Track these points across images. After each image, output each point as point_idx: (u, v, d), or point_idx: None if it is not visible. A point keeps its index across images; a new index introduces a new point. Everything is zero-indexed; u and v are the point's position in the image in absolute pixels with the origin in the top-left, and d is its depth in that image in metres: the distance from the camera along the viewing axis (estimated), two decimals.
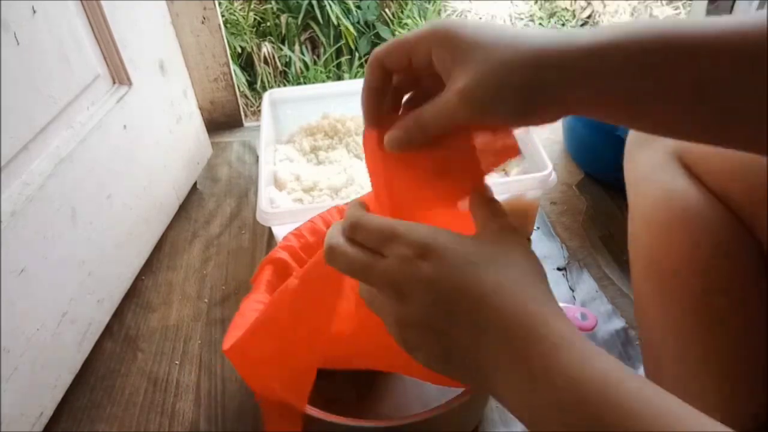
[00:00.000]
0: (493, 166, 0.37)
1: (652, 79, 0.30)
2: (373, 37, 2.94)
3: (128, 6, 0.81)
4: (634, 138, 0.59)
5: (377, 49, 0.36)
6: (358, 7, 2.88)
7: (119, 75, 0.81)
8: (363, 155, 0.53)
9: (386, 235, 0.33)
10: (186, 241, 0.94)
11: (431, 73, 0.35)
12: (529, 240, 0.90)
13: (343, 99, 1.03)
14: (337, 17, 2.79)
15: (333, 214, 0.66)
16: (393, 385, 0.66)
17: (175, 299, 0.84)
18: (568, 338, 0.30)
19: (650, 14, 3.04)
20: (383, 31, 2.93)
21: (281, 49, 2.81)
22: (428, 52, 0.34)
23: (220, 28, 1.11)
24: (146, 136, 0.87)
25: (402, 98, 0.40)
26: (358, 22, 2.91)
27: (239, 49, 2.71)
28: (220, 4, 1.12)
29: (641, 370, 0.61)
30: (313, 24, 2.87)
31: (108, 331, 0.79)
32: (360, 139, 1.00)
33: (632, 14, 3.05)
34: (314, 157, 0.98)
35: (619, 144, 0.61)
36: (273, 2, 2.79)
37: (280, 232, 0.78)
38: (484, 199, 0.37)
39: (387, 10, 2.99)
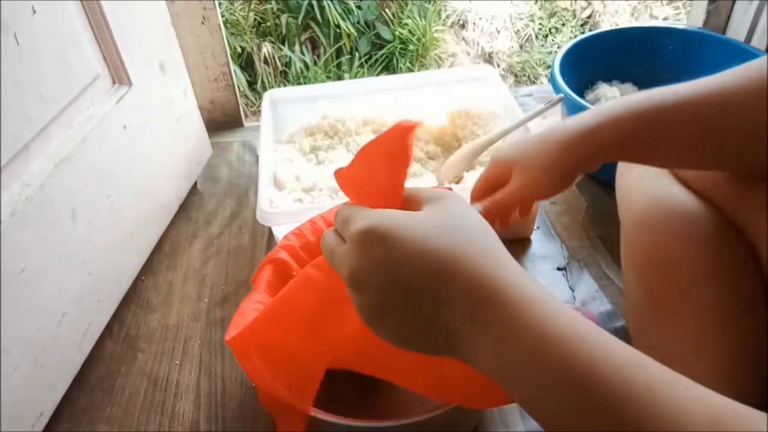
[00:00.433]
0: None
1: (642, 144, 0.46)
2: (373, 37, 2.95)
3: (128, 6, 0.81)
4: None
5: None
6: (359, 7, 2.88)
7: (119, 75, 0.81)
8: None
9: (345, 220, 0.35)
10: (186, 241, 0.94)
11: None
12: (528, 240, 0.90)
13: (343, 99, 1.03)
14: (337, 17, 2.79)
15: (333, 214, 0.66)
16: (393, 385, 0.66)
17: (175, 299, 0.84)
18: (529, 297, 0.30)
19: (650, 14, 3.04)
20: (383, 31, 2.93)
21: (281, 49, 2.82)
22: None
23: (220, 28, 1.11)
24: (146, 136, 0.87)
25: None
26: (358, 22, 2.91)
27: (239, 49, 2.71)
28: (220, 4, 1.12)
29: None
30: (313, 24, 2.87)
31: (108, 331, 0.79)
32: (360, 139, 1.00)
33: (632, 14, 3.05)
34: (314, 157, 0.98)
35: None
36: (273, 2, 2.80)
37: (280, 232, 0.78)
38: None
39: (387, 10, 2.99)
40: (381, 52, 2.91)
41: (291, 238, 0.63)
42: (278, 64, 2.78)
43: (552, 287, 0.82)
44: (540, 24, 3.12)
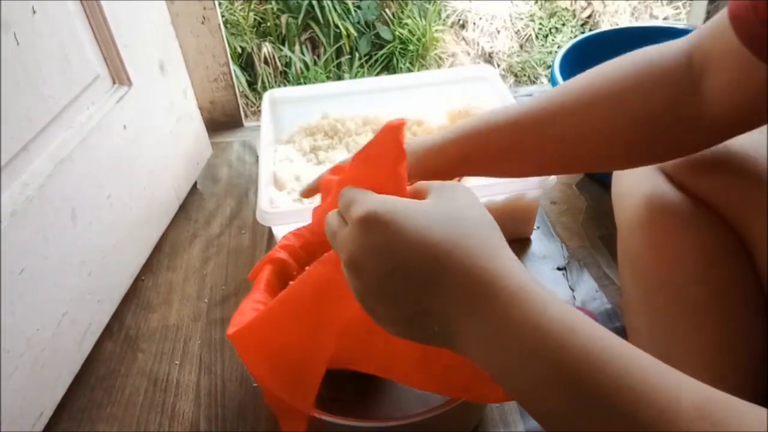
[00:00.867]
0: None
1: (483, 158, 0.53)
2: (373, 37, 2.95)
3: (128, 6, 0.81)
4: None
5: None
6: (358, 7, 2.88)
7: (119, 75, 0.81)
8: None
9: (348, 203, 0.35)
10: (186, 241, 0.94)
11: None
12: (528, 240, 0.90)
13: (343, 99, 1.03)
14: (337, 18, 2.79)
15: None
16: (393, 385, 0.66)
17: (175, 299, 0.84)
18: (524, 289, 0.30)
19: (650, 14, 3.04)
20: (383, 31, 2.93)
21: (281, 50, 2.82)
22: None
23: (220, 28, 1.11)
24: (146, 136, 0.87)
25: None
26: (358, 22, 2.91)
27: (239, 49, 2.71)
28: (220, 4, 1.12)
29: None
30: (313, 24, 2.87)
31: (108, 331, 0.79)
32: (360, 139, 1.00)
33: (632, 14, 3.05)
34: (314, 157, 0.98)
35: None
36: (273, 2, 2.80)
37: (280, 232, 0.78)
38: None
39: (387, 10, 3.00)
40: (381, 52, 2.91)
41: (291, 238, 0.63)
42: (278, 64, 2.78)
43: (552, 287, 0.82)
44: (540, 24, 3.13)
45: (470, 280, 0.31)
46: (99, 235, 0.76)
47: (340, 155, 0.97)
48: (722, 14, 0.40)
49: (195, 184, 1.05)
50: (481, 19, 3.13)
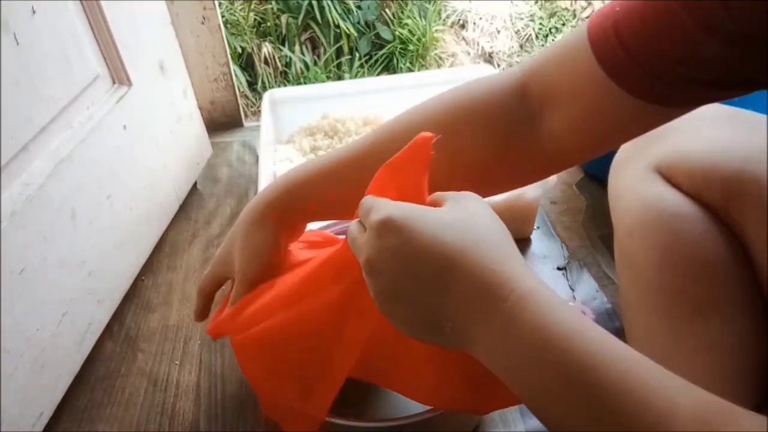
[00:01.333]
0: None
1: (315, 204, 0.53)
2: (373, 37, 2.95)
3: (128, 6, 0.81)
4: (616, 161, 0.61)
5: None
6: (359, 7, 2.88)
7: (119, 75, 0.81)
8: None
9: (367, 210, 0.36)
10: (186, 241, 0.94)
11: None
12: (528, 240, 0.90)
13: (343, 99, 1.03)
14: (337, 18, 2.79)
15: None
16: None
17: (175, 299, 0.84)
18: (533, 292, 0.32)
19: None
20: (383, 31, 2.93)
21: (281, 50, 2.82)
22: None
23: (220, 28, 1.11)
24: (146, 136, 0.87)
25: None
26: (359, 22, 2.91)
27: (239, 50, 2.71)
28: (220, 4, 1.12)
29: None
30: (313, 24, 2.87)
31: (108, 331, 0.79)
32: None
33: None
34: (314, 157, 0.98)
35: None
36: (273, 2, 2.80)
37: None
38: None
39: (387, 10, 3.00)
40: (381, 52, 2.91)
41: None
42: (278, 64, 2.78)
43: (552, 287, 0.81)
44: (540, 24, 3.13)
45: (481, 281, 0.32)
46: (99, 235, 0.75)
47: None
48: (569, 40, 0.39)
49: (195, 184, 1.05)
50: (481, 19, 3.13)
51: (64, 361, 0.70)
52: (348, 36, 2.84)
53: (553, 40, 3.09)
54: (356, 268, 0.40)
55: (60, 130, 0.70)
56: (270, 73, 2.76)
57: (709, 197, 0.50)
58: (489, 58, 3.08)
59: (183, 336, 0.78)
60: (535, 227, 0.91)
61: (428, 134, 0.38)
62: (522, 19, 3.14)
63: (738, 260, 0.49)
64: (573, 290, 0.82)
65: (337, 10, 2.81)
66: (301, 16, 2.80)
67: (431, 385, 0.48)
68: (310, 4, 2.78)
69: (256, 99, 2.68)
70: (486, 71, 1.03)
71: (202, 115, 1.06)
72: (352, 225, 0.39)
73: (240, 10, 2.74)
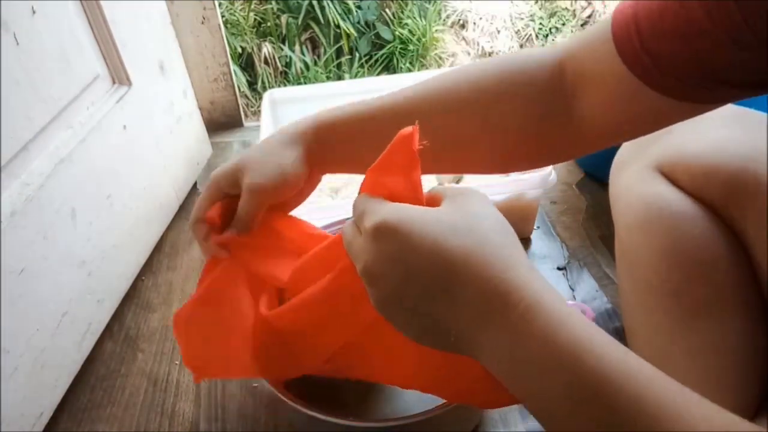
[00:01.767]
0: None
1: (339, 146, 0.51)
2: (373, 37, 2.95)
3: (128, 6, 0.81)
4: (617, 160, 0.61)
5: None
6: (359, 7, 2.88)
7: (119, 75, 0.81)
8: None
9: (361, 213, 0.35)
10: (186, 241, 0.94)
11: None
12: (528, 240, 0.90)
13: (343, 99, 1.02)
14: (337, 18, 2.79)
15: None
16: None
17: (175, 299, 0.84)
18: (541, 301, 0.30)
19: None
20: (383, 31, 2.93)
21: (281, 50, 2.82)
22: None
23: (220, 28, 1.11)
24: (146, 136, 0.87)
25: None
26: (359, 22, 2.91)
27: (239, 49, 2.71)
28: (220, 4, 1.12)
29: None
30: (313, 24, 2.88)
31: (108, 331, 0.79)
32: None
33: None
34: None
35: (619, 144, 0.62)
36: (273, 2, 2.80)
37: None
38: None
39: (387, 10, 3.00)
40: (381, 52, 2.91)
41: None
42: (278, 64, 2.78)
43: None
44: (540, 24, 3.13)
45: (485, 290, 0.31)
46: (99, 235, 0.75)
47: None
48: (599, 28, 0.39)
49: (195, 184, 1.05)
50: (481, 19, 3.14)
51: (64, 361, 0.70)
52: (348, 36, 2.84)
53: (553, 40, 3.09)
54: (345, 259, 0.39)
55: (60, 130, 0.70)
56: (270, 73, 2.76)
57: (710, 197, 0.50)
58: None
59: None
60: (535, 227, 0.91)
61: (409, 129, 0.36)
62: (522, 19, 3.14)
63: (739, 260, 0.49)
64: (573, 290, 0.82)
65: (337, 10, 2.81)
66: (301, 16, 2.80)
67: (440, 377, 0.47)
68: (310, 4, 2.78)
69: (256, 99, 2.68)
70: None
71: (202, 115, 1.06)
72: (347, 226, 0.38)
73: (240, 10, 2.74)
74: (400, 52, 2.93)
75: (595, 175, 1.03)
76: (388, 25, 2.96)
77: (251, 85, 2.74)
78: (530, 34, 3.11)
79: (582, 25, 3.08)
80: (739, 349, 0.48)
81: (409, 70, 2.86)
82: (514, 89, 0.43)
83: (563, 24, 3.11)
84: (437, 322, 0.32)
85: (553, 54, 0.43)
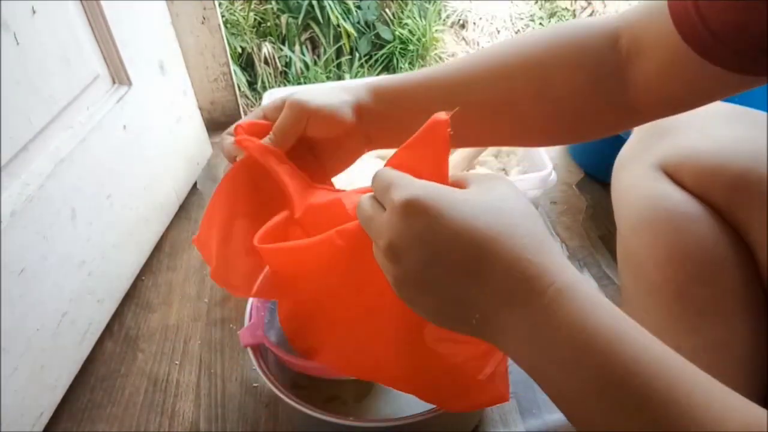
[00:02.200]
0: None
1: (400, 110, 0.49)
2: (373, 37, 2.95)
3: (128, 6, 0.81)
4: (620, 159, 0.61)
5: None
6: (359, 7, 2.88)
7: (119, 75, 0.81)
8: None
9: (386, 185, 0.33)
10: (186, 241, 0.94)
11: None
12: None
13: None
14: (337, 17, 2.79)
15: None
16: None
17: (175, 299, 0.84)
18: (572, 287, 0.29)
19: None
20: (383, 31, 2.93)
21: (281, 50, 2.81)
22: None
23: (220, 28, 1.11)
24: (146, 136, 0.87)
25: None
26: (359, 22, 2.91)
27: (239, 49, 2.71)
28: (220, 4, 1.12)
29: None
30: (313, 24, 2.87)
31: (108, 331, 0.79)
32: None
33: None
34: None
35: (619, 143, 0.61)
36: (273, 2, 2.80)
37: None
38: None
39: (387, 10, 3.00)
40: (381, 52, 2.91)
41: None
42: (278, 64, 2.78)
43: None
44: (540, 24, 3.12)
45: (515, 272, 0.30)
46: (99, 235, 0.75)
47: None
48: (655, 3, 0.39)
49: (195, 184, 1.05)
50: (481, 19, 3.13)
51: (64, 361, 0.70)
52: (348, 36, 2.84)
53: None
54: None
55: (60, 130, 0.70)
56: (270, 73, 2.76)
57: (714, 196, 0.50)
58: None
59: (183, 336, 0.78)
60: None
61: (443, 116, 0.35)
62: (522, 19, 3.14)
63: (742, 260, 0.49)
64: None
65: (337, 10, 2.81)
66: (301, 16, 2.80)
67: (428, 382, 0.47)
68: (310, 4, 2.78)
69: (256, 99, 2.68)
70: None
71: (202, 115, 1.06)
72: (366, 200, 0.36)
73: (240, 10, 2.74)
74: (400, 52, 2.93)
75: (596, 175, 1.03)
76: (388, 25, 2.96)
77: (251, 85, 2.74)
78: None
79: None
80: (742, 348, 0.48)
81: (410, 70, 2.86)
82: (571, 59, 0.43)
83: None
84: (461, 303, 0.32)
85: (610, 24, 0.43)
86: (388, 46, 2.93)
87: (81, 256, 0.72)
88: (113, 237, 0.79)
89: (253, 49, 2.77)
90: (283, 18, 2.82)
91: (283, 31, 2.84)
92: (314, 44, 2.94)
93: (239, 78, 2.61)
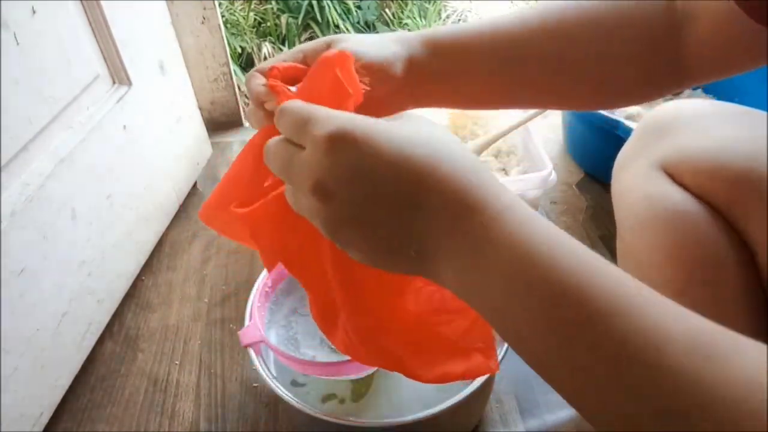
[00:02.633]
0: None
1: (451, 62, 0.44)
2: None
3: (128, 6, 0.81)
4: (620, 159, 0.61)
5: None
6: (359, 8, 2.88)
7: (119, 75, 0.81)
8: None
9: (304, 121, 0.30)
10: (186, 241, 0.94)
11: None
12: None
13: None
14: (337, 18, 2.79)
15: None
16: (393, 385, 0.66)
17: (175, 299, 0.84)
18: (511, 208, 0.29)
19: None
20: (383, 32, 2.93)
21: (281, 50, 2.81)
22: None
23: (220, 28, 1.11)
24: (146, 136, 0.87)
25: None
26: (359, 23, 2.91)
27: (239, 49, 2.71)
28: (220, 4, 1.12)
29: None
30: (313, 24, 2.87)
31: (108, 331, 0.79)
32: None
33: None
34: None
35: (619, 143, 0.61)
36: (273, 2, 2.80)
37: None
38: None
39: (387, 10, 3.00)
40: None
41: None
42: None
43: None
44: None
45: (454, 199, 0.29)
46: (99, 235, 0.75)
47: None
48: None
49: (195, 184, 1.05)
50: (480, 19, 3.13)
51: (64, 361, 0.70)
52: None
53: None
54: None
55: (60, 130, 0.70)
56: None
57: (714, 196, 0.50)
58: None
59: (183, 336, 0.78)
60: None
61: (332, 52, 0.31)
62: None
63: (743, 260, 0.49)
64: None
65: (337, 10, 2.81)
66: (301, 16, 2.80)
67: (382, 346, 0.42)
68: (310, 4, 2.78)
69: None
70: None
71: (202, 115, 1.06)
72: (274, 144, 0.32)
73: (240, 10, 2.74)
74: None
75: (596, 175, 1.03)
76: (388, 25, 2.96)
77: None
78: None
79: None
80: None
81: None
82: (632, 19, 0.44)
83: None
84: (398, 238, 0.30)
85: None
86: None
87: (81, 256, 0.72)
88: (113, 237, 0.79)
89: (253, 49, 2.77)
90: (283, 18, 2.82)
91: (283, 31, 2.84)
92: None
93: (239, 78, 2.61)
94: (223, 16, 1.21)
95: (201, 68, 1.14)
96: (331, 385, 0.65)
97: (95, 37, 0.76)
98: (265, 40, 2.82)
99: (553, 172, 0.79)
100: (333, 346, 0.61)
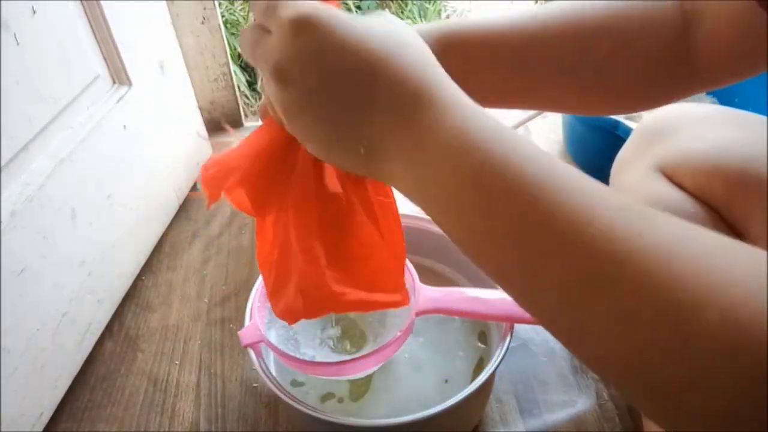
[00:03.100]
0: None
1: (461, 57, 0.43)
2: None
3: (128, 6, 0.81)
4: (619, 160, 0.61)
5: None
6: (359, 7, 2.88)
7: (119, 75, 0.81)
8: None
9: (273, 6, 0.31)
10: (186, 241, 0.94)
11: None
12: None
13: None
14: None
15: None
16: (392, 384, 0.66)
17: (175, 299, 0.84)
18: (459, 103, 0.29)
19: None
20: None
21: None
22: None
23: (220, 28, 1.11)
24: (146, 136, 0.87)
25: None
26: None
27: (239, 49, 2.70)
28: (220, 4, 1.12)
29: None
30: None
31: (108, 331, 0.79)
32: None
33: None
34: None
35: (619, 143, 0.62)
36: None
37: None
38: None
39: (387, 10, 3.00)
40: None
41: None
42: None
43: None
44: None
45: (404, 90, 0.29)
46: (99, 235, 0.76)
47: None
48: None
49: (195, 184, 1.05)
50: None
51: (64, 361, 0.70)
52: None
53: None
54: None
55: (60, 130, 0.70)
56: None
57: (712, 197, 0.50)
58: None
59: (183, 336, 0.78)
60: None
61: None
62: None
63: None
64: None
65: None
66: None
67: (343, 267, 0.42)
68: None
69: (256, 99, 2.67)
70: None
71: (202, 115, 1.06)
72: (246, 31, 0.33)
73: (240, 10, 2.74)
74: None
75: (596, 175, 1.03)
76: None
77: (251, 85, 2.73)
78: None
79: None
80: None
81: None
82: (649, 19, 0.43)
83: None
84: (350, 130, 0.30)
85: None
86: None
87: (81, 256, 0.72)
88: (113, 237, 0.79)
89: None
90: None
91: None
92: None
93: (239, 78, 2.61)
94: (223, 16, 1.21)
95: (201, 68, 1.14)
96: (330, 384, 0.65)
97: (95, 37, 0.76)
98: None
99: None
100: (333, 346, 0.61)
